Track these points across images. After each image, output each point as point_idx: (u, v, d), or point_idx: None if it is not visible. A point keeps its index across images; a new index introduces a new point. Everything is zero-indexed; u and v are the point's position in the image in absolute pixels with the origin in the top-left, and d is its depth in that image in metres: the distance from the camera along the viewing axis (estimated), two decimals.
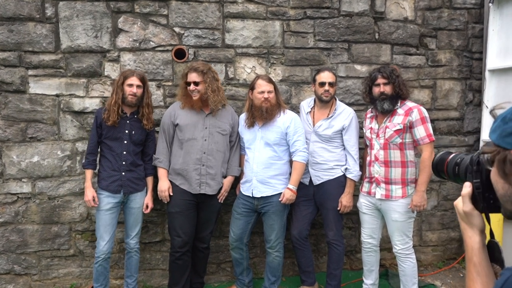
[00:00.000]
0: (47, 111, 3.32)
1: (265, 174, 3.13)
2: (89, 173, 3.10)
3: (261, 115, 3.11)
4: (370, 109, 3.29)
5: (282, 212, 3.18)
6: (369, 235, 3.21)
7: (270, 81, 3.15)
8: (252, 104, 3.15)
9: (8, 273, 3.37)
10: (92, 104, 3.37)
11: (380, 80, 3.05)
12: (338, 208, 3.24)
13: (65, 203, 3.39)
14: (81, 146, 3.39)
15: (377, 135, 3.10)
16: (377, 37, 3.86)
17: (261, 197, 3.14)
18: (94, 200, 3.03)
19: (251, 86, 3.18)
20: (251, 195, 3.17)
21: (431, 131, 3.00)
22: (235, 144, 3.31)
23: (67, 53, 3.31)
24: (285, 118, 3.16)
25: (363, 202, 3.20)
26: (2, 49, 3.20)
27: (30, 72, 3.27)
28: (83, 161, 3.18)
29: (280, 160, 3.16)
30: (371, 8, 3.82)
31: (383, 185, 3.05)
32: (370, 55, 3.86)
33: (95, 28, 3.33)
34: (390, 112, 3.06)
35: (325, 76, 3.19)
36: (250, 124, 3.19)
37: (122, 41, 3.40)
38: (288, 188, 3.11)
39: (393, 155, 3.03)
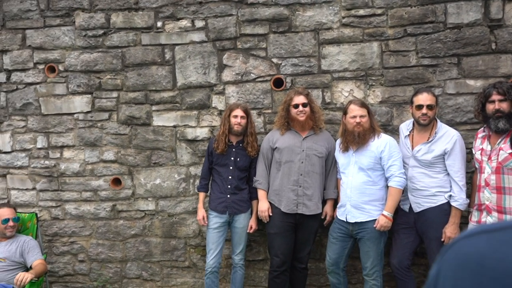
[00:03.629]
0: (167, 140, 3.86)
1: (359, 199, 3.08)
2: (201, 195, 3.53)
3: (354, 139, 3.09)
4: (482, 128, 2.98)
5: (378, 239, 3.08)
6: None
7: (363, 105, 3.12)
8: (346, 129, 3.16)
9: (138, 277, 3.97)
10: (202, 133, 3.80)
11: (495, 97, 2.76)
12: (442, 239, 2.98)
13: (181, 220, 3.87)
14: (193, 170, 3.83)
15: (489, 158, 2.79)
16: (494, 47, 3.47)
17: (356, 222, 3.10)
18: (204, 219, 3.43)
19: (344, 111, 3.20)
20: (345, 220, 3.15)
21: None
22: (331, 167, 3.36)
23: (181, 89, 3.82)
24: (379, 142, 3.08)
25: None
26: (133, 90, 3.87)
27: (154, 107, 3.86)
28: (197, 184, 3.61)
29: (375, 185, 3.08)
30: (485, 16, 3.46)
31: (495, 213, 2.73)
32: (486, 68, 3.48)
33: (203, 66, 3.77)
34: (506, 132, 2.73)
35: (423, 99, 3.01)
36: (344, 148, 3.19)
37: (227, 75, 3.77)
38: (382, 214, 3.00)
39: (508, 181, 2.69)
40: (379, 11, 3.57)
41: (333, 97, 3.67)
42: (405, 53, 3.57)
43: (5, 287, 3.05)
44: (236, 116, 3.36)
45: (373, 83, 3.63)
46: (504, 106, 2.70)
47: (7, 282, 3.10)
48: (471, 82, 3.50)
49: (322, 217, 3.40)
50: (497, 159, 2.72)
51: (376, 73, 3.61)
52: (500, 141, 2.74)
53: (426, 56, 3.54)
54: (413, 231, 3.14)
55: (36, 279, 3.12)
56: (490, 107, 2.77)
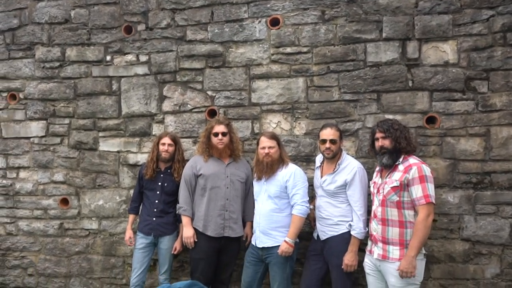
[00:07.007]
0: (110, 164, 4.16)
1: (266, 225, 3.27)
2: (131, 217, 3.78)
3: (263, 168, 3.31)
4: None
5: (284, 264, 3.24)
6: None
7: (272, 137, 3.35)
8: (258, 159, 3.39)
9: None
10: (142, 158, 4.08)
11: (378, 134, 2.96)
12: (342, 267, 3.13)
13: (121, 240, 4.11)
14: None
15: (378, 191, 2.96)
16: (411, 84, 3.67)
17: (264, 247, 3.28)
18: (130, 239, 3.68)
19: (257, 142, 3.43)
20: (255, 245, 3.33)
21: (430, 192, 2.73)
22: (249, 191, 3.56)
23: (126, 117, 4.14)
24: (286, 171, 3.29)
25: (366, 262, 3.04)
26: (83, 117, 4.21)
27: (100, 134, 4.19)
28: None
29: (281, 212, 3.27)
30: (402, 55, 3.68)
31: (380, 244, 2.88)
32: (403, 103, 3.67)
33: (145, 96, 4.10)
34: (391, 167, 2.91)
35: (326, 133, 3.22)
36: (258, 177, 3.40)
37: (166, 105, 4.07)
38: (284, 241, 3.17)
39: (390, 213, 2.84)
40: (304, 49, 3.84)
41: (262, 128, 3.91)
42: (328, 88, 3.81)
43: None
44: (164, 144, 3.63)
45: (299, 116, 3.86)
46: (387, 143, 2.88)
47: None
48: (389, 117, 3.66)
49: (244, 239, 3.58)
50: (383, 192, 2.88)
51: (302, 107, 3.85)
52: (386, 176, 2.91)
53: (348, 91, 3.76)
54: (321, 258, 3.30)
55: None
56: (376, 144, 2.96)
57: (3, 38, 4.35)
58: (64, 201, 4.24)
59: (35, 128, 4.29)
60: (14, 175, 4.33)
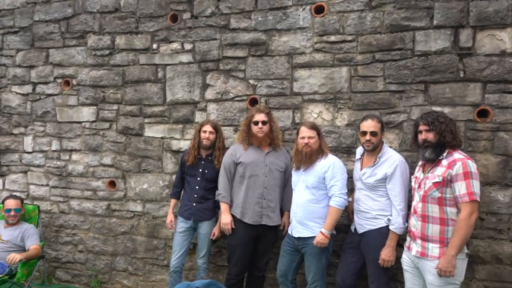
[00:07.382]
0: (155, 150, 4.31)
1: (303, 215, 3.27)
2: (172, 202, 3.91)
3: (302, 158, 3.29)
4: None
5: (319, 255, 3.22)
6: None
7: (312, 127, 3.31)
8: (297, 148, 3.37)
9: (124, 271, 4.45)
10: (185, 145, 4.19)
11: (422, 127, 2.85)
12: (379, 262, 3.06)
13: (163, 223, 4.27)
14: None
15: (419, 186, 2.86)
16: (462, 75, 3.47)
17: (300, 237, 3.28)
18: (171, 223, 3.81)
19: (297, 132, 3.41)
20: (291, 235, 3.34)
21: (475, 190, 2.59)
22: (288, 181, 3.56)
23: (170, 105, 4.26)
24: (324, 162, 3.25)
25: (404, 258, 2.96)
26: (130, 104, 4.38)
27: (146, 120, 4.34)
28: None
29: (318, 203, 3.24)
30: (454, 44, 3.48)
31: (419, 241, 2.78)
32: (453, 95, 3.49)
33: (189, 84, 4.18)
34: (435, 162, 2.79)
35: (367, 125, 3.14)
36: (296, 167, 3.39)
37: (209, 93, 4.14)
38: (320, 231, 3.15)
39: (431, 210, 2.74)
40: (349, 38, 3.74)
41: (303, 118, 3.87)
42: (373, 78, 3.69)
43: (2, 265, 3.66)
44: (205, 131, 3.70)
45: (341, 106, 3.78)
46: (430, 136, 2.76)
47: (5, 261, 3.71)
48: (437, 109, 3.50)
49: (281, 228, 3.61)
50: (424, 187, 2.77)
51: (344, 97, 3.76)
52: (429, 170, 2.80)
53: (393, 82, 3.63)
54: (357, 251, 3.25)
55: (26, 260, 3.68)
56: (419, 137, 2.84)
57: (59, 27, 4.59)
58: (112, 184, 4.46)
59: (86, 113, 4.52)
60: (67, 157, 4.60)
